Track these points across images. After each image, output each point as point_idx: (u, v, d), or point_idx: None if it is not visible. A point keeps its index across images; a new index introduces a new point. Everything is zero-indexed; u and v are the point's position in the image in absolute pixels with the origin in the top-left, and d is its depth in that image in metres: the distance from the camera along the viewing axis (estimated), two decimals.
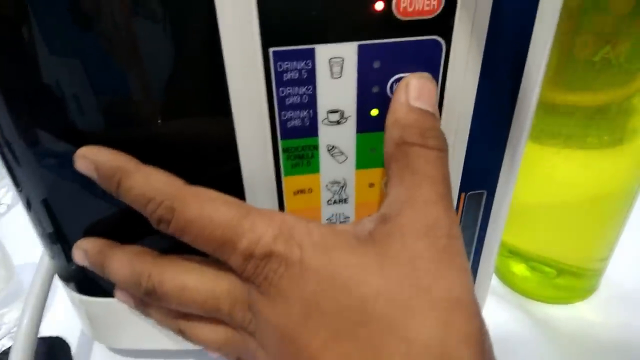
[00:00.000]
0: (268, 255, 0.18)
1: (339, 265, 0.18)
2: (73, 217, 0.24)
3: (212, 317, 0.21)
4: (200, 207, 0.19)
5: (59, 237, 0.25)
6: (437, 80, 0.20)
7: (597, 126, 0.29)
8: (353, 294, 0.17)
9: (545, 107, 0.29)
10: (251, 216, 0.19)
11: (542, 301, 0.37)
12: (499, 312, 0.36)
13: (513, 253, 0.37)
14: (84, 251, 0.23)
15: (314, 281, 0.18)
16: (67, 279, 0.27)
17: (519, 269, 0.37)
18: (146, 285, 0.20)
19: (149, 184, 0.19)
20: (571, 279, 0.36)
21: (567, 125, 0.30)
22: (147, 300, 0.22)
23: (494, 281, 0.38)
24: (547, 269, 0.36)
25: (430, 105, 0.19)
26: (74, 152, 0.21)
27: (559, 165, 0.32)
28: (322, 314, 0.17)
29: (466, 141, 0.22)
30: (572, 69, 0.28)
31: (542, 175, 0.32)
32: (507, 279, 0.39)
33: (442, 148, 0.19)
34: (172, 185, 0.19)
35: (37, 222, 0.25)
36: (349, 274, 0.18)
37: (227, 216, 0.19)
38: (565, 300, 0.37)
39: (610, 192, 0.32)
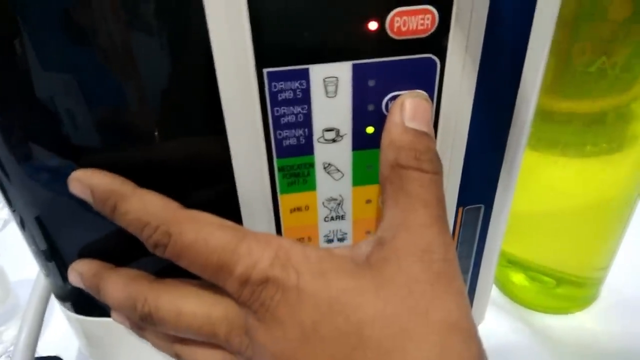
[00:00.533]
0: (264, 281, 0.18)
1: (336, 290, 0.18)
2: (67, 236, 0.24)
3: (209, 342, 0.21)
4: (197, 231, 0.19)
5: (53, 255, 0.25)
6: (432, 98, 0.20)
7: (595, 133, 0.29)
8: (350, 319, 0.17)
9: (543, 115, 0.29)
10: (247, 241, 0.19)
11: (541, 311, 0.37)
12: (499, 322, 0.36)
13: (512, 262, 0.37)
14: (79, 274, 0.23)
15: (310, 307, 0.17)
16: (62, 298, 0.27)
17: (517, 278, 0.37)
18: (142, 310, 0.20)
19: (144, 209, 0.19)
20: (571, 289, 0.36)
21: (565, 133, 0.30)
22: (143, 325, 0.21)
23: (493, 291, 0.38)
24: (546, 278, 0.36)
25: (425, 125, 0.19)
26: (65, 168, 0.20)
27: (557, 174, 0.32)
28: (319, 339, 0.17)
29: (463, 156, 0.22)
30: (569, 78, 0.28)
31: (540, 183, 0.32)
32: (506, 289, 0.38)
33: (437, 171, 0.19)
34: (168, 209, 0.19)
35: (31, 239, 0.24)
36: (346, 299, 0.17)
37: (223, 241, 0.19)
38: (565, 310, 0.37)
39: (609, 199, 0.32)
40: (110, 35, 0.18)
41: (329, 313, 0.17)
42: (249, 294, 0.18)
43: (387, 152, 0.19)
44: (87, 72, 0.19)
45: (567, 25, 0.26)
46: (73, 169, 0.20)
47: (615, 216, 0.33)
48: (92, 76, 0.19)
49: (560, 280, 0.36)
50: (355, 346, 0.17)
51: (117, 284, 0.21)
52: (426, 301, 0.17)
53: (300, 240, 0.24)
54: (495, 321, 0.36)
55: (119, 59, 0.18)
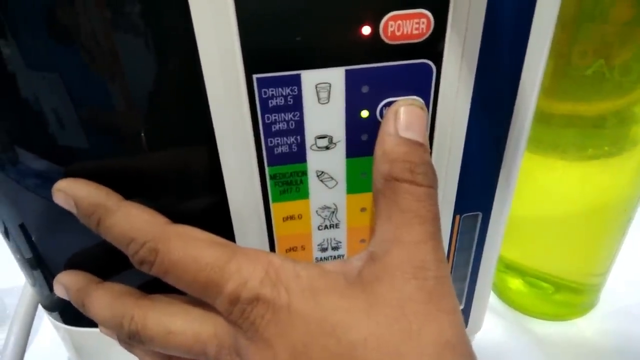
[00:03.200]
0: (255, 300, 0.17)
1: (327, 310, 0.17)
2: (53, 245, 0.23)
3: None
4: (185, 248, 0.18)
5: (38, 265, 0.24)
6: (428, 104, 0.19)
7: (596, 137, 0.29)
8: (342, 341, 0.17)
9: (542, 118, 0.29)
10: (237, 258, 0.18)
11: (540, 318, 0.36)
12: (496, 329, 0.35)
13: (509, 268, 0.37)
14: (64, 287, 0.22)
15: (301, 327, 0.17)
16: (50, 308, 0.27)
17: (515, 284, 0.37)
18: (129, 329, 0.20)
19: (130, 223, 0.19)
20: (569, 295, 0.36)
21: (566, 136, 0.29)
22: (131, 343, 0.21)
23: (491, 297, 0.38)
24: (544, 284, 0.35)
25: (420, 135, 0.18)
26: (50, 174, 0.20)
27: (556, 178, 0.31)
28: None
29: (460, 163, 0.22)
30: (569, 81, 0.27)
31: (539, 187, 0.32)
32: (504, 295, 0.38)
33: (432, 184, 0.18)
34: (155, 224, 0.19)
35: (15, 248, 0.24)
36: (337, 319, 0.17)
37: (212, 258, 0.18)
38: (564, 316, 0.36)
39: (609, 204, 0.31)
40: (96, 39, 0.17)
41: (320, 334, 0.17)
42: (239, 313, 0.18)
43: (381, 163, 0.18)
44: (72, 75, 0.18)
45: (566, 27, 0.26)
46: (57, 175, 0.20)
47: (614, 221, 0.32)
48: (78, 79, 0.18)
49: (559, 286, 0.35)
50: None
51: (102, 301, 0.21)
52: (419, 321, 0.17)
53: (294, 249, 0.23)
54: (493, 328, 0.35)
55: (104, 65, 0.18)
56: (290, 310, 0.17)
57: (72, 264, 0.23)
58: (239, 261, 0.18)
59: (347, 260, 0.19)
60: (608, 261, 0.34)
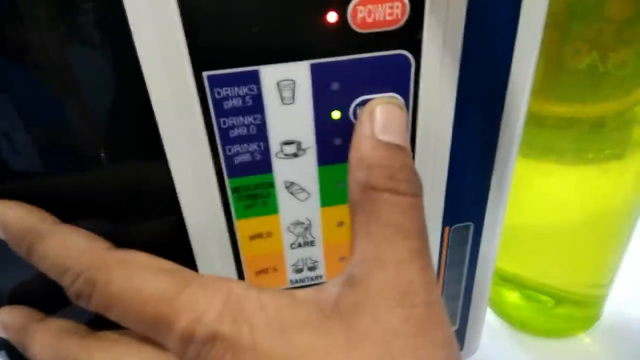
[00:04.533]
0: (212, 338, 0.15)
1: (300, 349, 0.15)
2: None
3: None
4: (127, 277, 0.16)
5: None
6: (407, 102, 0.18)
7: (595, 140, 0.27)
8: None
9: (536, 121, 0.27)
10: (191, 287, 0.16)
11: (539, 334, 0.35)
12: (492, 347, 0.33)
13: (505, 280, 0.35)
14: (3, 326, 0.19)
15: None
16: None
17: (512, 297, 0.35)
18: None
19: (65, 250, 0.16)
20: (570, 308, 0.34)
21: (562, 139, 0.28)
22: None
23: (487, 313, 0.36)
24: (543, 297, 0.34)
25: (399, 137, 0.16)
26: None
27: (553, 183, 0.30)
28: None
29: (446, 170, 0.20)
30: (562, 79, 0.26)
31: (535, 194, 0.30)
32: (500, 309, 0.36)
33: (416, 192, 0.16)
34: (93, 251, 0.17)
35: None
36: None
37: (159, 288, 0.16)
38: (566, 332, 0.35)
39: (610, 210, 0.30)
40: (26, 47, 0.15)
41: None
42: (193, 354, 0.15)
43: (356, 171, 0.16)
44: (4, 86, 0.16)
45: (560, 23, 0.24)
46: None
47: (617, 228, 0.31)
48: (8, 90, 0.16)
49: (559, 299, 0.33)
50: None
51: (44, 341, 0.18)
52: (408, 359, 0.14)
53: (265, 271, 0.21)
54: (489, 346, 0.33)
55: (28, 69, 0.16)
56: (255, 351, 0.15)
57: (16, 299, 0.21)
58: (193, 291, 0.16)
59: (322, 286, 0.17)
60: (611, 271, 0.33)
